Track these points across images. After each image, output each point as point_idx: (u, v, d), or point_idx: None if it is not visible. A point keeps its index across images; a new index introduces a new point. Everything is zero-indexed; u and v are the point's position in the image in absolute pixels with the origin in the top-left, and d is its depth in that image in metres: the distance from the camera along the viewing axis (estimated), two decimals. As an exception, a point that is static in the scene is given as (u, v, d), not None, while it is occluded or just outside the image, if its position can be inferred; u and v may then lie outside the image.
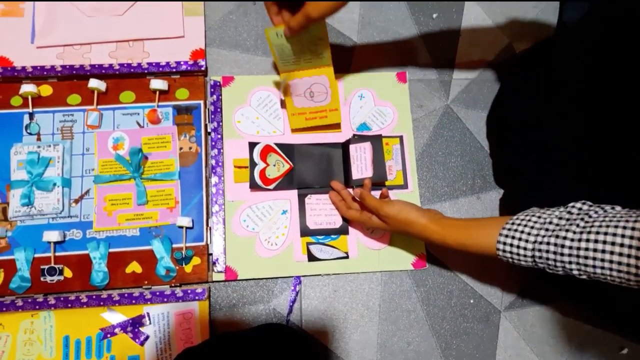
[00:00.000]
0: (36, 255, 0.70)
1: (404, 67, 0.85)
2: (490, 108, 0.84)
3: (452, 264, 0.77)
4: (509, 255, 0.55)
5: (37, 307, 0.68)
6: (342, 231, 0.76)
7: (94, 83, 0.75)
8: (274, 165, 0.77)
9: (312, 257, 0.75)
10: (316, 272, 0.75)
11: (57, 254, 0.71)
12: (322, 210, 0.77)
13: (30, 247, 0.70)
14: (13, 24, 0.80)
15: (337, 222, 0.77)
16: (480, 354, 0.74)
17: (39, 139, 0.75)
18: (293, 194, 0.77)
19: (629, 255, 0.46)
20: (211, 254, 0.73)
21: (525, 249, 0.54)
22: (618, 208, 0.51)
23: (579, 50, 0.70)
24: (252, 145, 0.77)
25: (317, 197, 0.77)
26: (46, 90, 0.77)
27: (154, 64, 0.78)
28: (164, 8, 0.82)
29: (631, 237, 0.46)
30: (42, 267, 0.70)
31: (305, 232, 0.76)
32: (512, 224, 0.56)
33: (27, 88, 0.74)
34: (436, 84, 0.85)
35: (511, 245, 0.55)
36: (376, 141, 0.77)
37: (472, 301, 0.76)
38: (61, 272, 0.70)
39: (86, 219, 0.73)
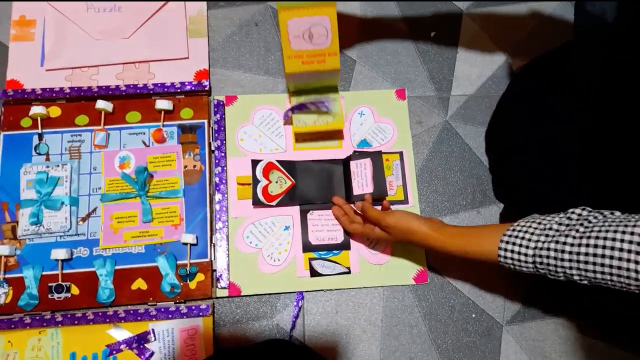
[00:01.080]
0: (44, 273, 0.72)
1: (403, 84, 0.87)
2: (489, 123, 0.85)
3: (454, 278, 0.78)
4: (510, 261, 0.56)
5: (45, 324, 0.70)
6: (344, 246, 0.77)
7: (101, 104, 0.78)
8: (277, 182, 0.79)
9: (314, 273, 0.76)
10: (319, 287, 0.75)
11: (65, 271, 0.72)
12: (324, 226, 0.78)
13: (39, 264, 0.72)
14: (24, 48, 0.83)
15: (339, 237, 0.78)
16: (483, 368, 0.75)
17: (47, 159, 0.77)
18: (295, 210, 0.79)
19: (628, 260, 0.46)
20: (215, 270, 0.74)
21: (526, 255, 0.54)
22: (617, 213, 0.52)
23: (592, 62, 0.71)
24: (254, 163, 0.79)
25: (319, 213, 0.79)
26: (55, 111, 0.79)
27: (159, 85, 0.80)
28: (169, 30, 0.85)
29: (630, 242, 0.46)
30: (49, 284, 0.72)
31: (307, 247, 0.77)
32: (513, 230, 0.57)
33: (37, 110, 0.77)
34: (435, 101, 0.86)
35: (512, 251, 0.56)
36: (376, 157, 0.79)
37: (474, 315, 0.77)
38: (68, 290, 0.72)
39: (93, 237, 0.74)
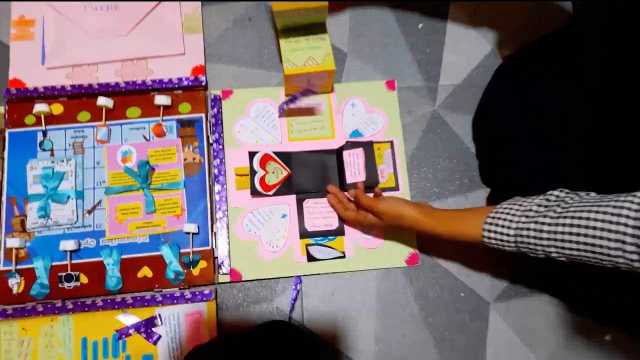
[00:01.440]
0: (54, 264, 0.75)
1: (393, 75, 0.90)
2: (476, 112, 0.89)
3: (443, 259, 0.82)
4: (494, 241, 0.60)
5: (56, 311, 0.73)
6: (339, 232, 0.81)
7: (102, 100, 0.80)
8: (273, 173, 0.82)
9: (311, 258, 0.80)
10: (315, 271, 0.79)
11: (73, 261, 0.76)
12: (320, 213, 0.82)
13: (48, 256, 0.76)
14: (24, 47, 0.85)
15: (334, 224, 0.81)
16: (471, 344, 0.79)
17: (52, 155, 0.80)
18: (292, 199, 0.82)
19: (601, 237, 0.50)
20: (217, 258, 0.78)
21: (508, 235, 0.58)
22: (592, 194, 0.56)
23: (587, 48, 0.72)
24: (251, 155, 0.82)
25: (314, 201, 0.82)
26: (57, 108, 0.82)
27: (157, 81, 0.83)
28: (165, 27, 0.87)
29: (603, 220, 0.50)
30: (59, 274, 0.75)
31: (304, 234, 0.81)
32: (496, 212, 0.61)
33: (40, 107, 0.80)
34: (424, 91, 0.90)
35: (495, 232, 0.60)
36: (368, 147, 0.82)
37: (462, 295, 0.81)
38: (77, 279, 0.75)
39: (99, 228, 0.78)
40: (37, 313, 0.73)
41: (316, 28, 0.79)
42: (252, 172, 0.82)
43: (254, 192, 0.81)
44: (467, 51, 0.92)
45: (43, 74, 0.84)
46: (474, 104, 0.89)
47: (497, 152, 0.82)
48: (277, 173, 0.82)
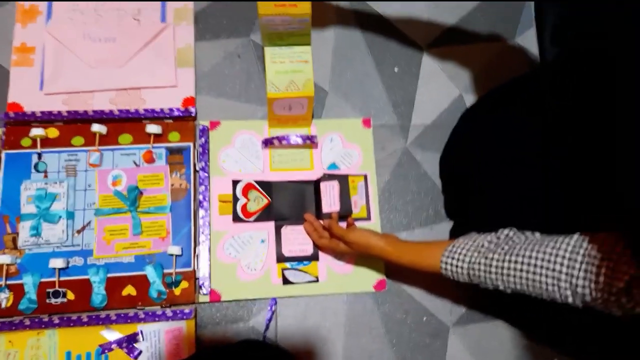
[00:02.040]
0: (42, 280, 0.80)
1: (369, 114, 0.98)
2: (443, 150, 0.97)
3: (408, 285, 0.89)
4: (450, 273, 0.68)
5: (43, 326, 0.78)
6: (313, 258, 0.88)
7: (96, 127, 0.86)
8: (254, 200, 0.89)
9: (286, 281, 0.86)
10: (290, 294, 0.85)
11: (61, 278, 0.80)
12: (296, 240, 0.88)
13: (37, 272, 0.80)
14: (24, 73, 0.90)
15: (309, 250, 0.88)
16: (432, 365, 0.86)
17: (46, 176, 0.85)
18: (271, 225, 0.88)
19: (540, 274, 0.58)
20: (198, 278, 0.84)
21: (462, 267, 0.66)
22: (537, 234, 0.64)
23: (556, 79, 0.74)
24: (235, 183, 0.89)
25: (291, 228, 0.89)
26: (53, 132, 0.87)
27: (149, 110, 0.89)
28: (159, 60, 0.93)
29: (542, 259, 0.58)
30: (47, 290, 0.79)
31: (280, 258, 0.87)
32: (453, 247, 0.69)
33: (36, 131, 0.85)
34: (396, 129, 0.98)
35: (451, 264, 0.67)
36: (343, 179, 0.90)
37: (424, 318, 0.88)
38: (64, 295, 0.80)
39: (87, 248, 0.83)
40: (25, 327, 0.77)
41: (301, 40, 0.83)
42: (235, 199, 0.88)
43: (236, 218, 0.87)
44: (438, 94, 1.01)
45: (41, 99, 0.89)
46: (442, 143, 0.97)
47: (459, 188, 0.90)
48: (258, 201, 0.89)
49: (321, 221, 0.88)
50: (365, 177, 0.93)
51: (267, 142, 0.91)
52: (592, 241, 0.55)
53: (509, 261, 0.61)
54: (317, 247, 0.88)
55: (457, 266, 0.67)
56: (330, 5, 1.03)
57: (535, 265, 0.59)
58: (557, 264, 0.57)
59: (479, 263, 0.64)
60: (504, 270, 0.62)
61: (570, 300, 0.57)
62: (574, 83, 0.67)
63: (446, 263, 0.68)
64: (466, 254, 0.66)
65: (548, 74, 0.76)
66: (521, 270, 0.60)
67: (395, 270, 0.89)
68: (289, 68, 0.83)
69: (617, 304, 0.52)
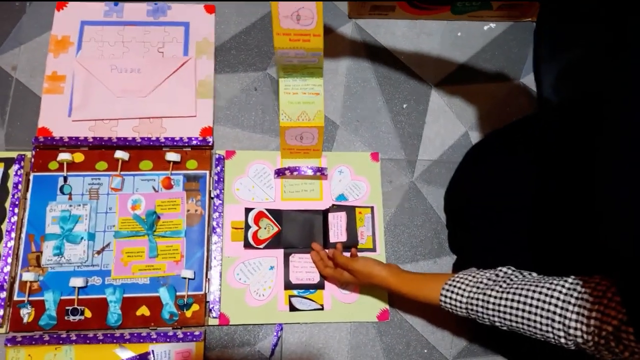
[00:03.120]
0: (62, 297, 0.84)
1: (377, 148, 1.02)
2: (448, 186, 1.00)
3: (411, 317, 0.92)
4: (448, 306, 0.71)
5: (61, 341, 0.82)
6: (319, 286, 0.91)
7: (119, 154, 0.91)
8: (265, 228, 0.93)
9: (293, 308, 0.89)
10: (296, 320, 0.89)
11: (80, 297, 0.85)
12: (304, 268, 0.92)
13: (58, 290, 0.84)
14: (54, 100, 0.96)
15: (316, 278, 0.91)
16: (430, 396, 0.88)
17: (70, 199, 0.90)
18: (280, 252, 0.92)
19: (535, 314, 0.60)
20: (208, 302, 0.87)
21: (460, 302, 0.69)
22: (534, 274, 0.67)
23: (550, 124, 0.78)
24: (247, 211, 0.93)
25: (299, 256, 0.92)
26: (79, 157, 0.92)
27: (169, 139, 0.94)
28: (180, 91, 0.99)
29: (538, 299, 0.60)
30: (66, 307, 0.84)
31: (288, 285, 0.90)
32: (453, 281, 0.71)
33: (63, 156, 0.90)
34: (403, 164, 1.02)
35: (450, 298, 0.70)
36: (350, 211, 0.94)
37: (425, 351, 0.90)
38: (82, 313, 0.84)
39: (106, 268, 0.87)
40: (44, 342, 0.81)
41: (314, 72, 0.86)
42: (247, 227, 0.92)
43: (247, 245, 0.91)
44: (444, 131, 1.05)
45: (69, 125, 0.95)
46: (447, 178, 1.01)
47: (463, 223, 0.93)
48: (268, 229, 0.93)
49: (327, 250, 0.91)
50: (372, 209, 0.97)
51: (279, 173, 0.95)
52: (586, 285, 0.57)
53: (506, 299, 0.64)
54: (322, 276, 0.91)
55: (456, 300, 0.70)
56: (343, 41, 1.08)
57: (531, 305, 0.61)
58: (551, 305, 0.59)
59: (477, 299, 0.67)
60: (500, 308, 0.65)
61: (563, 341, 0.59)
62: (567, 133, 0.71)
63: (445, 296, 0.71)
64: (465, 289, 0.69)
65: (545, 122, 0.80)
66: (517, 309, 0.63)
67: (398, 301, 0.92)
68: (301, 99, 0.88)
69: (607, 348, 0.54)
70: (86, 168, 0.92)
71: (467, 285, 0.70)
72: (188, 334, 0.84)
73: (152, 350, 0.83)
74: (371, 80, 1.06)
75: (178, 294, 0.86)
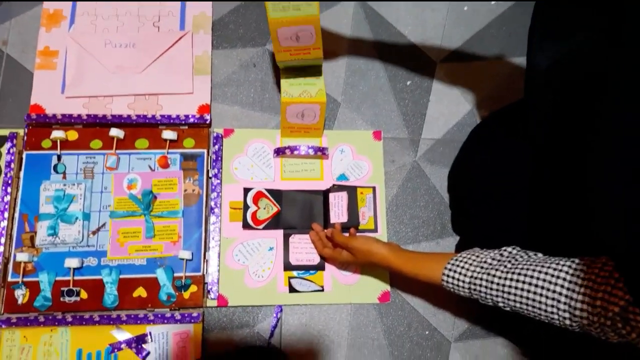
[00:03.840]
0: (57, 278, 0.83)
1: (380, 126, 0.99)
2: (452, 165, 0.98)
3: (412, 299, 0.90)
4: (450, 285, 0.69)
5: (56, 323, 0.81)
6: (319, 268, 0.89)
7: (114, 131, 0.89)
8: (264, 208, 0.91)
9: (292, 289, 0.88)
10: (295, 302, 0.87)
11: (75, 278, 0.83)
12: (304, 249, 0.90)
13: (53, 271, 0.83)
14: (47, 76, 0.93)
15: (316, 259, 0.90)
16: (432, 378, 0.87)
17: (64, 178, 0.87)
18: (279, 233, 0.90)
19: (540, 294, 0.59)
20: (206, 283, 0.86)
21: (463, 281, 0.67)
22: (539, 255, 0.65)
23: (541, 107, 0.77)
24: (246, 190, 0.91)
25: (299, 237, 0.90)
26: (72, 135, 0.90)
27: (165, 116, 0.92)
28: (177, 67, 0.96)
29: (543, 280, 0.59)
30: (62, 288, 0.82)
31: (287, 267, 0.89)
32: (456, 260, 0.69)
33: (57, 134, 0.87)
34: (407, 143, 0.99)
35: (453, 277, 0.68)
36: (352, 191, 0.91)
37: (427, 332, 0.89)
38: (78, 294, 0.83)
39: (101, 249, 0.85)
40: (39, 323, 0.80)
41: (313, 70, 0.88)
42: (245, 207, 0.90)
43: (246, 225, 0.89)
44: (449, 109, 1.02)
45: (62, 102, 0.92)
46: (451, 158, 0.98)
47: (467, 204, 0.91)
48: (268, 209, 0.91)
49: (326, 230, 0.89)
50: (374, 189, 0.95)
51: (279, 152, 0.93)
52: (593, 265, 0.56)
53: (511, 279, 0.62)
54: (321, 257, 0.89)
55: (458, 280, 0.68)
56: (346, 16, 1.04)
57: (537, 286, 0.59)
58: (557, 286, 0.58)
59: (481, 279, 0.65)
60: (505, 288, 0.63)
61: (568, 323, 0.58)
62: (558, 121, 0.69)
63: (448, 276, 0.69)
64: (469, 269, 0.67)
65: (535, 106, 0.78)
66: (522, 290, 0.61)
67: (400, 283, 0.90)
68: (302, 82, 0.86)
69: (613, 329, 0.53)
70: (80, 146, 0.90)
71: (470, 264, 0.67)
72: (186, 315, 0.83)
73: (150, 332, 0.82)
74: (373, 57, 1.03)
75: (175, 275, 0.85)
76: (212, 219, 0.89)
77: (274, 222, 0.90)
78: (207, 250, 0.87)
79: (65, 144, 0.89)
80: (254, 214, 0.90)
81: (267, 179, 0.93)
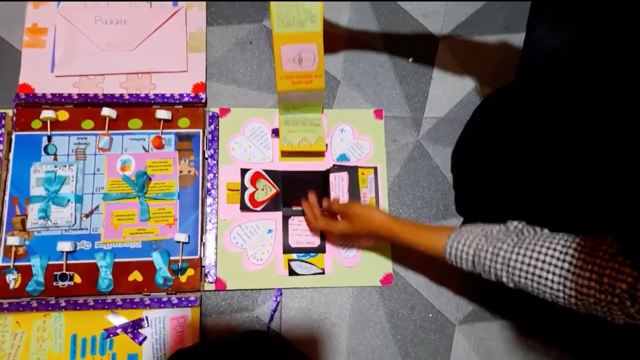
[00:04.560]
0: (50, 263, 0.80)
1: (381, 105, 0.96)
2: (455, 145, 0.95)
3: (415, 281, 0.88)
4: (453, 257, 0.66)
5: (50, 308, 0.78)
6: (320, 250, 0.87)
7: (106, 111, 0.85)
8: (262, 190, 0.88)
9: (292, 272, 0.85)
10: (295, 285, 0.85)
11: (69, 262, 0.81)
12: (303, 231, 0.87)
13: (45, 255, 0.80)
14: (35, 55, 0.90)
15: (316, 241, 0.87)
16: (435, 361, 0.86)
17: (55, 159, 0.85)
18: (278, 215, 0.88)
19: (547, 271, 0.56)
20: (204, 267, 0.83)
21: (467, 253, 0.64)
22: (546, 230, 0.62)
23: (540, 89, 0.77)
24: (243, 171, 0.88)
25: (299, 219, 0.88)
26: (63, 115, 0.87)
27: (159, 95, 0.88)
28: (170, 45, 0.92)
29: (551, 256, 0.56)
30: (55, 273, 0.80)
31: (287, 249, 0.86)
32: (460, 231, 0.66)
33: (47, 113, 0.84)
34: (409, 122, 0.96)
35: (457, 249, 0.65)
36: (352, 171, 0.88)
37: (430, 315, 0.87)
38: (71, 278, 0.80)
39: (95, 232, 0.83)
40: (32, 308, 0.78)
41: (313, 109, 0.89)
42: (243, 188, 0.87)
43: (243, 207, 0.86)
44: (452, 87, 0.99)
45: (52, 81, 0.89)
46: (455, 137, 0.95)
47: (470, 184, 0.88)
48: (266, 190, 0.88)
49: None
50: (376, 169, 0.92)
51: (277, 132, 0.89)
52: (601, 242, 0.54)
53: (517, 253, 0.59)
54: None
55: (462, 251, 0.64)
56: (346, -8, 1.00)
57: (544, 262, 0.57)
58: (565, 262, 0.55)
59: (486, 251, 0.62)
60: (510, 262, 0.60)
61: (573, 301, 0.55)
62: (558, 101, 0.68)
63: (451, 247, 0.65)
64: (473, 240, 0.64)
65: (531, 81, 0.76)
66: (529, 265, 0.58)
67: (402, 266, 0.88)
68: (302, 129, 0.89)
69: (620, 308, 0.51)
70: (71, 127, 0.87)
71: (475, 235, 0.64)
72: (183, 299, 0.81)
73: (146, 317, 0.80)
74: (375, 32, 0.99)
75: (172, 258, 0.82)
76: (209, 200, 0.86)
77: (272, 204, 0.88)
78: (204, 233, 0.85)
79: (56, 125, 0.86)
80: (251, 196, 0.87)
81: (266, 160, 0.90)
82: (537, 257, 0.58)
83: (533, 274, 0.58)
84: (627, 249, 0.49)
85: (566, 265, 0.55)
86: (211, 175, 0.87)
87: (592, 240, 0.55)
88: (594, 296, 0.52)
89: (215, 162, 0.88)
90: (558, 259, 0.56)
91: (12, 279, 0.79)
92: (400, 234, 0.71)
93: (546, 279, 0.57)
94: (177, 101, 0.89)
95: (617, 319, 0.53)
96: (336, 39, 0.98)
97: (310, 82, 0.81)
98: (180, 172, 0.86)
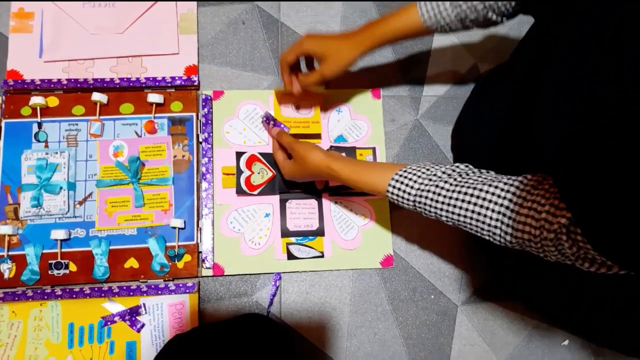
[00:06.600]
0: (44, 251, 0.79)
1: (379, 84, 0.93)
2: (455, 123, 0.93)
3: (416, 263, 0.87)
4: (395, 197, 0.65)
5: (46, 297, 0.77)
6: (319, 233, 0.85)
7: (96, 96, 0.83)
8: (259, 173, 0.86)
9: (291, 256, 0.84)
10: (295, 269, 0.84)
11: (63, 250, 0.79)
12: (301, 214, 0.86)
13: (39, 243, 0.79)
14: (23, 40, 0.88)
15: (315, 224, 0.86)
16: (438, 343, 0.84)
17: (46, 146, 0.83)
18: (275, 199, 0.86)
19: (486, 208, 0.56)
20: (201, 252, 0.82)
21: (409, 193, 0.63)
22: (492, 172, 0.62)
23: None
24: (239, 155, 0.86)
25: (297, 202, 0.86)
26: (53, 101, 0.85)
27: (151, 79, 0.86)
28: (161, 26, 0.90)
29: (492, 194, 0.56)
30: (49, 261, 0.79)
31: (285, 233, 0.85)
32: (404, 171, 0.65)
33: (36, 100, 0.82)
34: (407, 100, 0.94)
35: (399, 189, 0.64)
36: (351, 152, 0.86)
37: (432, 297, 0.86)
38: (67, 267, 0.79)
39: (89, 219, 0.81)
40: (27, 298, 0.77)
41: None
42: (239, 172, 0.85)
43: (240, 191, 0.85)
44: (451, 64, 0.96)
45: (40, 66, 0.87)
46: (454, 115, 0.93)
47: (471, 163, 0.86)
48: (262, 174, 0.86)
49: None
50: (374, 150, 0.90)
51: (268, 120, 0.87)
52: (545, 180, 0.53)
53: (459, 192, 0.59)
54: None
55: (404, 191, 0.64)
56: (340, -32, 0.97)
57: (484, 199, 0.56)
58: (505, 200, 0.55)
59: (428, 191, 0.62)
60: (451, 201, 0.59)
61: (508, 238, 0.55)
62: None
63: (394, 187, 0.65)
64: (416, 181, 0.63)
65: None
66: (469, 202, 0.58)
67: (403, 247, 0.87)
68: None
69: (554, 244, 0.50)
70: (62, 113, 0.85)
71: (419, 177, 0.64)
72: (181, 285, 0.79)
73: (144, 304, 0.79)
74: (370, 9, 0.97)
75: (168, 244, 0.81)
76: (204, 185, 0.84)
77: (269, 187, 0.86)
78: (200, 218, 0.83)
79: (46, 111, 0.84)
80: (248, 179, 0.85)
81: (261, 143, 0.88)
82: (477, 194, 0.57)
83: (473, 212, 0.57)
84: (561, 192, 0.48)
85: (506, 202, 0.55)
86: (206, 159, 0.85)
87: (535, 178, 0.55)
88: (529, 232, 0.52)
89: (209, 146, 0.86)
90: (499, 196, 0.56)
91: (7, 269, 0.78)
92: (340, 173, 0.70)
93: (485, 215, 0.56)
94: (169, 84, 0.87)
95: (549, 255, 0.53)
96: (331, 13, 0.95)
97: (308, 127, 0.88)
98: (174, 156, 0.85)
